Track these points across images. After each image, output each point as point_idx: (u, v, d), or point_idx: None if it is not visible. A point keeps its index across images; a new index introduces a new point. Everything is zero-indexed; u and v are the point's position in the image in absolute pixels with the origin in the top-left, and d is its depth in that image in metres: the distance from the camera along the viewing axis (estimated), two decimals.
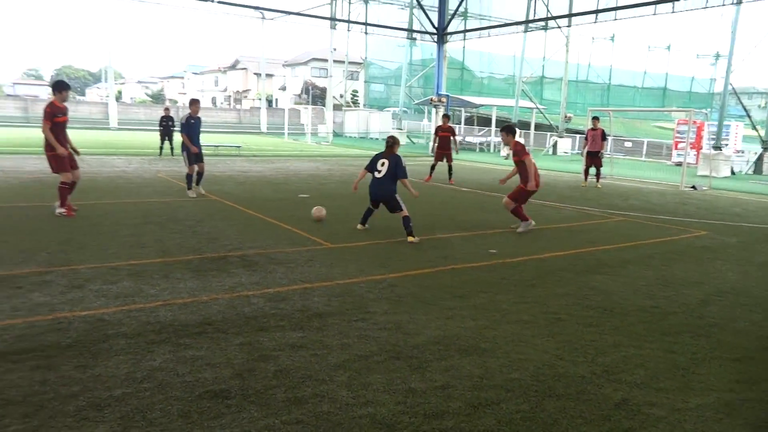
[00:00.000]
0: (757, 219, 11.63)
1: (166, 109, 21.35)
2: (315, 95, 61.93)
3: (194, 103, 11.42)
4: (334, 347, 4.18)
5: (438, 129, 16.64)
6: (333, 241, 7.75)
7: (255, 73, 69.47)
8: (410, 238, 7.94)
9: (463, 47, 44.17)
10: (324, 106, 47.09)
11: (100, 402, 3.25)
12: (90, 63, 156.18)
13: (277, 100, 72.34)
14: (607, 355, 4.26)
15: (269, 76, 65.72)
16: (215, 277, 5.78)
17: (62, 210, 8.67)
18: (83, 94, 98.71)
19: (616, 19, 30.03)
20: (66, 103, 8.91)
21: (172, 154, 20.25)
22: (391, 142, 8.59)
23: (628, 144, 35.12)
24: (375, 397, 3.46)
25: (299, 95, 66.81)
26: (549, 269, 6.78)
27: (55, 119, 8.59)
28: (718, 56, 45.65)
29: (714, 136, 25.79)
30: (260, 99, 52.04)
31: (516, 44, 42.67)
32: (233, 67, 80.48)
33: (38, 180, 12.53)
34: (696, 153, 25.64)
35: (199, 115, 11.34)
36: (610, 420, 3.32)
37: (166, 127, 20.22)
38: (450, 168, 16.12)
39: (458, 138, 20.05)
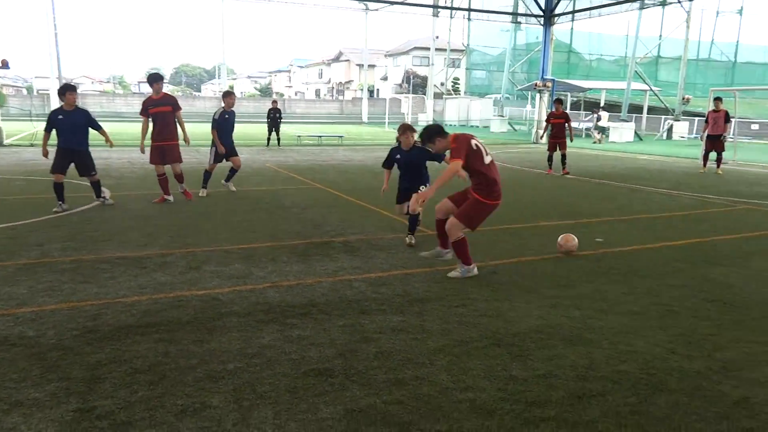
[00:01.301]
0: None
1: (274, 102, 22.29)
2: (416, 84, 62.00)
3: (228, 95, 10.37)
4: (435, 332, 4.21)
5: (550, 115, 15.20)
6: (434, 228, 7.76)
7: (357, 65, 70.70)
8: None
9: (571, 29, 42.41)
10: (425, 94, 47.04)
11: (215, 374, 3.50)
12: (205, 60, 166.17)
13: (378, 90, 73.23)
14: (726, 351, 3.97)
15: (371, 66, 66.62)
16: (319, 262, 6.00)
17: (165, 197, 9.34)
18: (199, 90, 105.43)
19: None
20: (174, 95, 9.39)
21: (279, 145, 21.22)
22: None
23: (755, 126, 32.16)
24: (475, 382, 3.45)
25: (400, 85, 67.20)
26: (662, 260, 6.39)
27: (150, 111, 9.18)
28: None
29: None
30: (362, 89, 52.97)
31: (629, 22, 40.20)
32: (337, 59, 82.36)
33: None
34: None
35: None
36: (728, 419, 3.10)
37: (273, 118, 21.15)
38: (564, 157, 14.71)
39: (573, 124, 18.79)
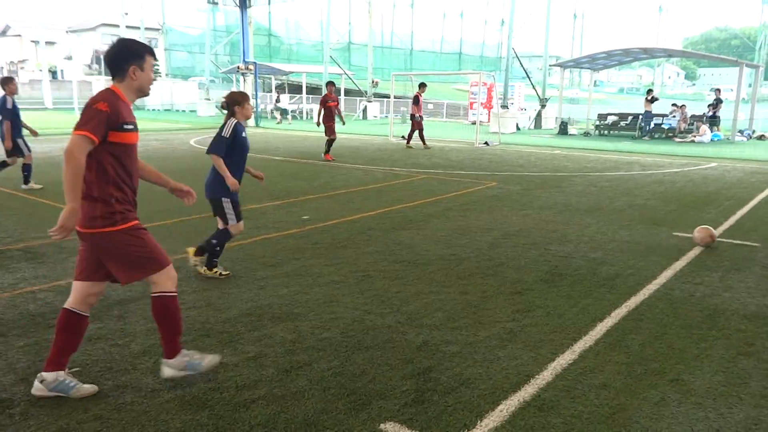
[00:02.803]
0: (536, 168, 13.20)
1: None
2: None
3: (8, 81, 9.42)
4: (138, 334, 3.94)
5: (325, 99, 14.36)
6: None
7: (32, 41, 60.98)
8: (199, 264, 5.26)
9: (269, 12, 43.20)
10: None
11: None
12: None
13: (62, 71, 64.44)
14: (411, 304, 4.59)
15: (50, 43, 58.16)
16: None
17: None
18: None
19: None
20: None
21: None
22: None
23: (430, 106, 37.39)
24: (183, 378, 3.33)
25: (89, 65, 60.22)
26: (359, 230, 7.04)
27: None
28: (503, 23, 50.10)
29: (501, 97, 28.48)
30: (41, 70, 45.98)
31: (322, 10, 42.67)
32: (3, 33, 69.75)
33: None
34: (488, 112, 28.18)
35: None
36: (412, 362, 3.59)
37: None
38: (331, 142, 14.22)
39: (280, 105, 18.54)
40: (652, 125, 22.71)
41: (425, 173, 12.10)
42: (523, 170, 12.80)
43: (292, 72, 38.60)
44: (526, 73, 32.03)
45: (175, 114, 36.86)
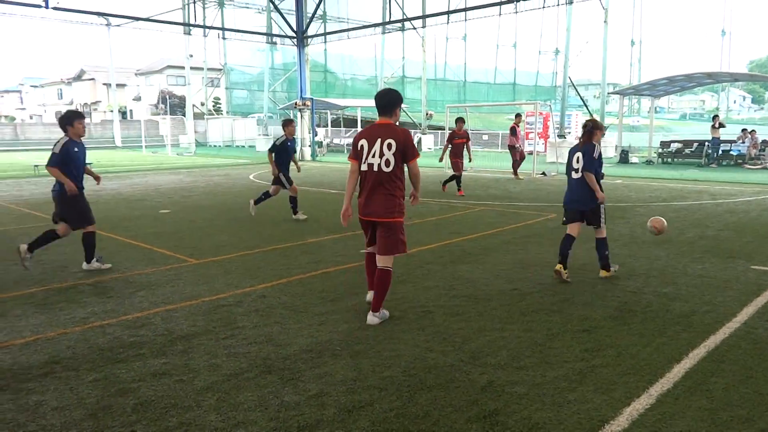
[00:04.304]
0: None
1: None
2: (173, 104, 58.97)
3: (289, 123, 10.17)
4: (202, 369, 3.97)
5: (452, 135, 14.13)
6: (198, 256, 7.40)
7: (104, 84, 64.77)
8: (604, 273, 6.27)
9: (325, 50, 44.37)
10: (184, 115, 45.00)
11: None
12: None
13: (131, 111, 67.99)
14: (473, 341, 4.45)
15: (121, 86, 61.66)
16: (63, 310, 5.27)
17: None
18: None
19: (466, 20, 31.75)
20: None
21: None
22: (590, 127, 6.20)
23: (485, 137, 37.22)
24: (246, 416, 3.32)
25: (156, 105, 63.26)
26: (417, 264, 6.96)
27: None
28: (557, 52, 49.75)
29: (558, 126, 28.07)
30: (112, 111, 48.64)
31: (376, 46, 43.59)
32: (79, 77, 74.40)
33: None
34: (544, 142, 27.78)
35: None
36: (477, 404, 3.45)
37: None
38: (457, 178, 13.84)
39: (336, 140, 18.71)
40: (720, 152, 21.79)
41: (482, 205, 11.94)
42: None
43: (347, 106, 39.34)
44: (583, 101, 31.53)
45: (234, 150, 38.11)
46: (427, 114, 34.56)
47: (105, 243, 8.44)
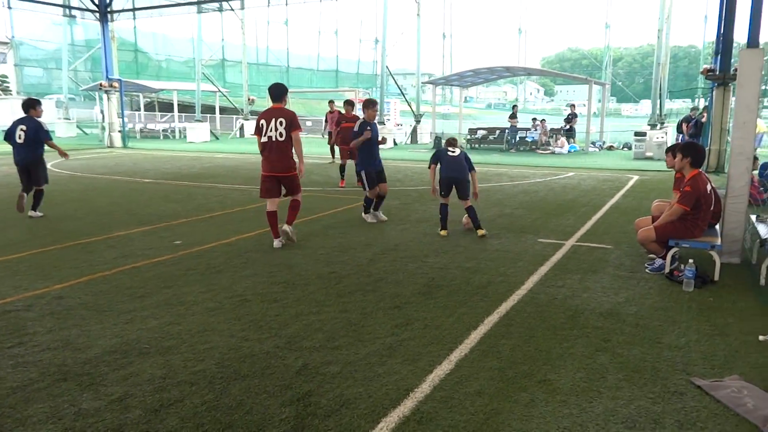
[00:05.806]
0: (413, 182, 13.59)
1: None
2: None
3: (372, 104, 8.87)
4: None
5: (341, 119, 13.16)
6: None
7: None
8: (481, 231, 7.77)
9: (134, 27, 40.99)
10: None
11: None
12: None
13: None
14: (290, 327, 4.49)
15: None
16: None
17: None
18: None
19: (287, 4, 31.43)
20: None
21: None
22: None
23: (309, 123, 37.39)
24: (35, 430, 3.01)
25: None
26: (236, 252, 6.82)
27: None
28: (377, 41, 51.33)
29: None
30: None
31: (193, 26, 41.22)
32: None
33: None
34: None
35: None
36: (291, 388, 3.50)
37: None
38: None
39: (150, 126, 17.27)
40: (517, 138, 24.30)
41: (306, 191, 11.97)
42: (401, 185, 13.11)
43: (162, 89, 36.90)
44: (401, 90, 33.05)
45: None
46: (249, 99, 33.69)
47: None
